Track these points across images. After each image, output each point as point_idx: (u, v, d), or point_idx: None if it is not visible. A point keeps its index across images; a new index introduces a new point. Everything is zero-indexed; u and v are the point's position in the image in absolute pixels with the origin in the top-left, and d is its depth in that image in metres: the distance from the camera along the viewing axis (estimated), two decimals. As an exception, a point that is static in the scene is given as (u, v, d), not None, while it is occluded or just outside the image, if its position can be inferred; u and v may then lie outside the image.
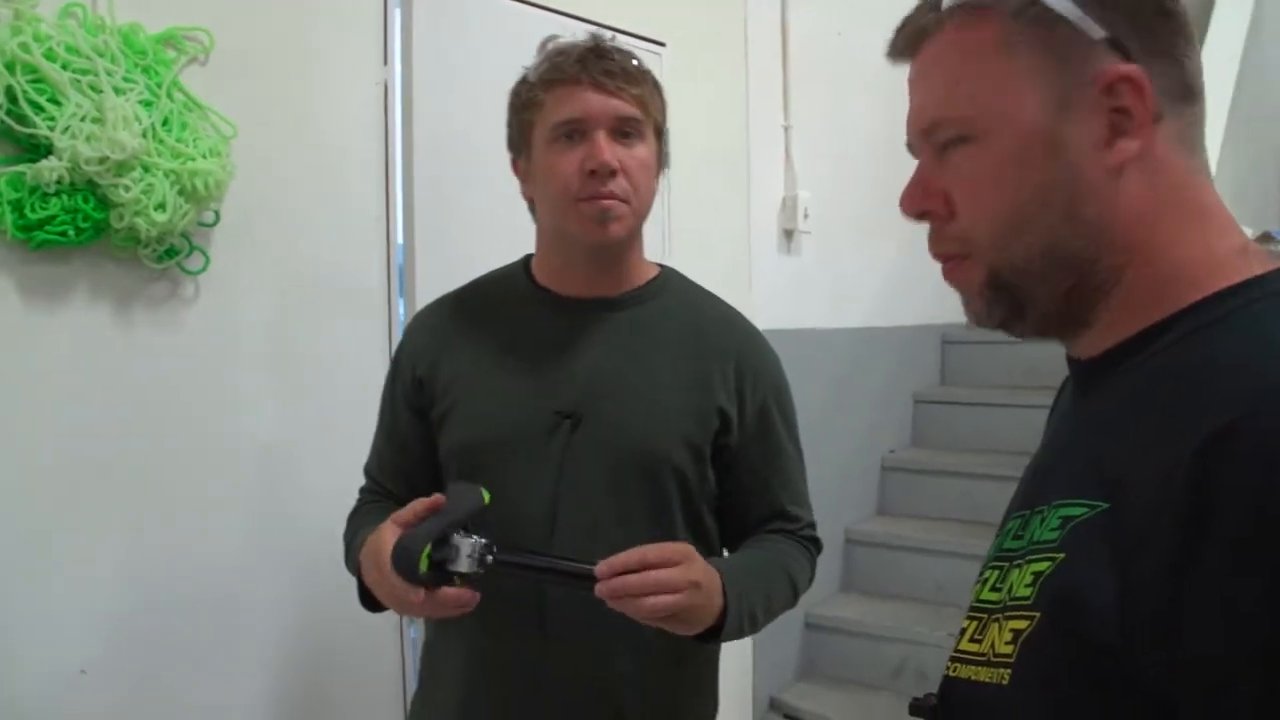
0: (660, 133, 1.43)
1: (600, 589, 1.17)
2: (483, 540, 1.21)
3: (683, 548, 1.24)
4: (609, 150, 1.34)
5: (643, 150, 1.39)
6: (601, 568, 1.18)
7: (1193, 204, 0.75)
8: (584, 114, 1.34)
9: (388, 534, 1.23)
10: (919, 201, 0.82)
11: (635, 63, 1.39)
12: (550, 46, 1.39)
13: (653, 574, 1.18)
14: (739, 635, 1.33)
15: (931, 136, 0.81)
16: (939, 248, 0.83)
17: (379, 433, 1.57)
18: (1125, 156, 0.73)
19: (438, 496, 1.24)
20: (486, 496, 1.25)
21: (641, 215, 1.42)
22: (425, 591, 1.20)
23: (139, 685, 1.73)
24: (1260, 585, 0.57)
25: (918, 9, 0.82)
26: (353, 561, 1.40)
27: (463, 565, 1.20)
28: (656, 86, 1.42)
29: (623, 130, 1.36)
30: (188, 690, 1.80)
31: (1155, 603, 0.62)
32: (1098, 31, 0.73)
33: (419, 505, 1.24)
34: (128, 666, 1.71)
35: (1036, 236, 0.76)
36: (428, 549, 1.18)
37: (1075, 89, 0.74)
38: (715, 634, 1.29)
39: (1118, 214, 0.74)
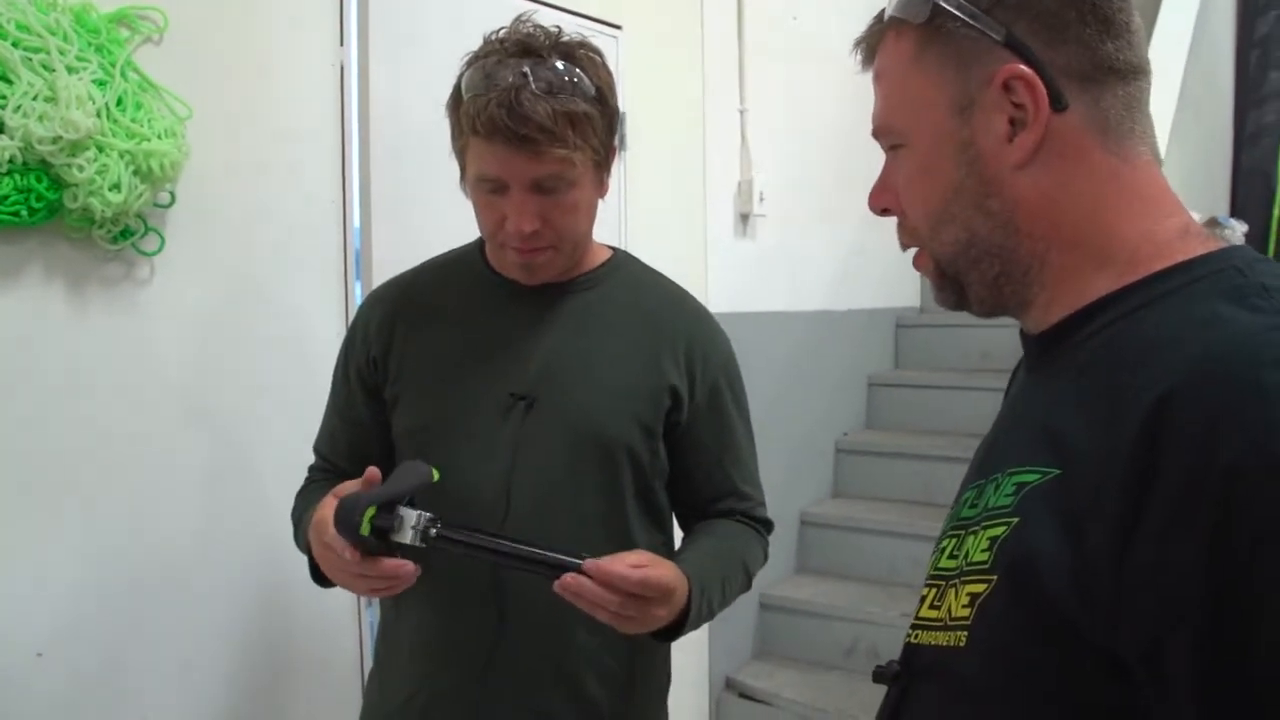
0: (601, 161, 1.38)
1: (570, 586, 1.18)
2: (427, 514, 1.21)
3: (669, 583, 1.25)
4: (527, 214, 1.31)
5: (572, 195, 1.34)
6: (590, 567, 1.18)
7: (1121, 187, 0.78)
8: (500, 175, 1.30)
9: (330, 507, 1.24)
10: (879, 199, 0.89)
11: (574, 78, 1.30)
12: (480, 63, 1.30)
13: (633, 605, 1.20)
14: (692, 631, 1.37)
15: (880, 141, 0.88)
16: (901, 239, 0.90)
17: (330, 411, 1.58)
18: (1025, 149, 0.78)
19: (374, 470, 1.24)
20: (435, 475, 1.26)
21: (576, 247, 1.42)
22: (365, 559, 1.20)
23: (96, 667, 1.72)
24: (1194, 548, 0.60)
25: (871, 22, 0.88)
26: (302, 537, 1.42)
27: (405, 536, 1.20)
28: (594, 110, 1.32)
29: (545, 186, 1.32)
30: (145, 672, 1.79)
31: (1102, 565, 0.65)
32: (998, 32, 0.77)
33: (359, 481, 1.25)
34: (85, 648, 1.70)
35: (958, 230, 0.83)
36: (372, 509, 1.19)
37: (977, 90, 0.79)
38: (669, 632, 1.33)
39: (1025, 203, 0.79)
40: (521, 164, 1.29)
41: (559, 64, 1.29)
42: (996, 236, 0.81)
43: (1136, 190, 0.78)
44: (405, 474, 1.25)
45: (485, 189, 1.33)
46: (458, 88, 1.33)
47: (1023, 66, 0.76)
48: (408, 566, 1.23)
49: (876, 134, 0.88)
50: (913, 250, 0.90)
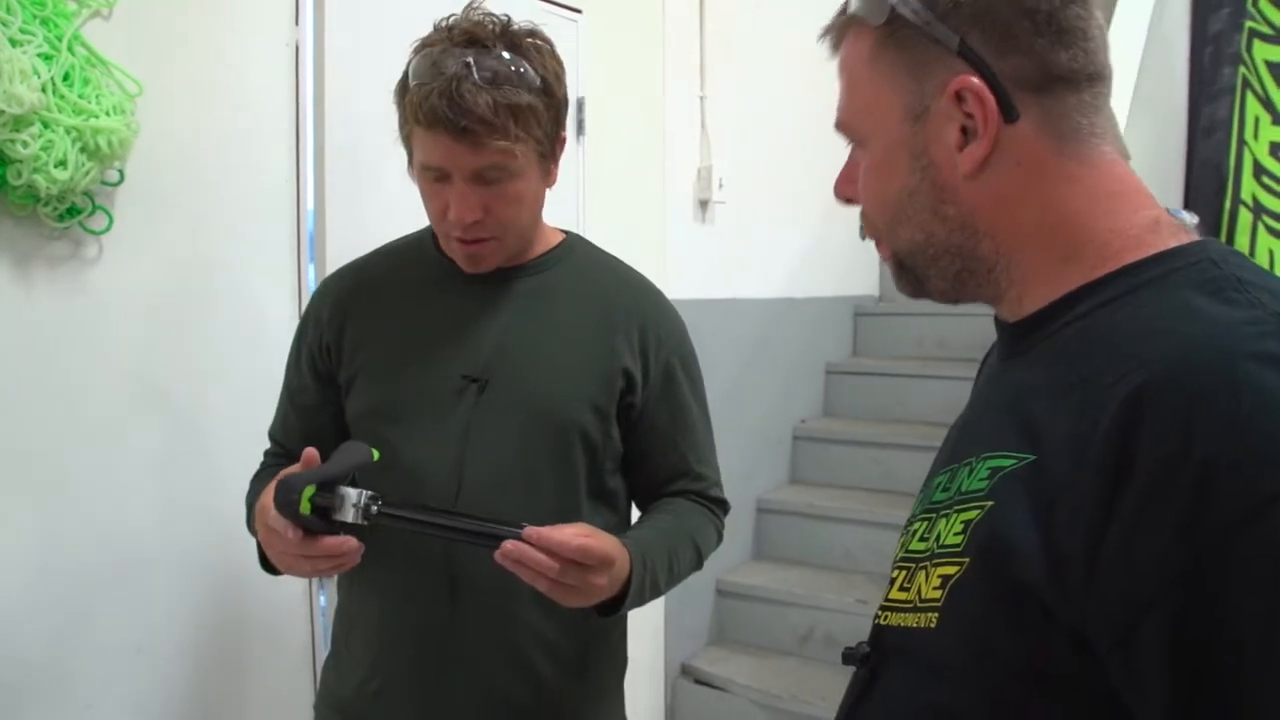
0: (546, 152, 1.37)
1: (510, 553, 1.18)
2: (368, 492, 1.22)
3: (609, 551, 1.25)
4: (469, 204, 1.32)
5: (514, 186, 1.34)
6: (530, 534, 1.19)
7: (1081, 190, 0.78)
8: (442, 165, 1.31)
9: (272, 493, 1.25)
10: (843, 189, 0.90)
11: (519, 69, 1.29)
12: (426, 51, 1.30)
13: (573, 573, 1.21)
14: (637, 606, 1.37)
15: (842, 136, 0.89)
16: (863, 227, 0.90)
17: (284, 397, 1.58)
18: (974, 160, 0.78)
19: (311, 451, 1.25)
20: (375, 455, 1.27)
21: (520, 237, 1.43)
22: (306, 539, 1.22)
23: (43, 650, 1.69)
24: (1165, 537, 0.61)
25: (836, 12, 0.87)
26: (251, 523, 1.42)
27: (347, 514, 1.21)
28: (539, 101, 1.31)
29: (488, 177, 1.32)
30: (94, 656, 1.76)
31: (1075, 549, 0.65)
32: (951, 41, 0.77)
33: (300, 464, 1.26)
34: (32, 631, 1.67)
35: (913, 230, 0.83)
36: (311, 489, 1.20)
37: (931, 98, 0.79)
38: (613, 606, 1.33)
39: (981, 208, 0.80)
40: (462, 154, 1.29)
41: (504, 54, 1.29)
42: (955, 238, 0.81)
43: (1100, 190, 0.78)
44: (345, 454, 1.26)
45: (429, 177, 1.34)
46: (405, 76, 1.33)
47: (974, 79, 0.76)
48: (350, 543, 1.23)
49: (838, 128, 0.88)
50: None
